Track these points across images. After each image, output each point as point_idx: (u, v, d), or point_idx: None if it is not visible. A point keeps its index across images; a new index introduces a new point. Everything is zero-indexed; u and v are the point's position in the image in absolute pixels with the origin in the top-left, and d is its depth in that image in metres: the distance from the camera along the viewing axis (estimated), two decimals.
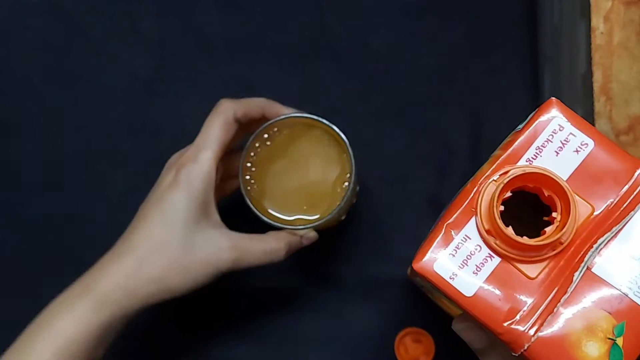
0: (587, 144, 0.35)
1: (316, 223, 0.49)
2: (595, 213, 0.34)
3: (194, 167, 0.46)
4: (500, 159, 0.36)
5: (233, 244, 0.46)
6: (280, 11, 0.60)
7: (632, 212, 0.34)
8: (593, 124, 0.42)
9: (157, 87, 0.60)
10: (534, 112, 0.37)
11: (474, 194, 0.36)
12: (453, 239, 0.35)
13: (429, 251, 0.35)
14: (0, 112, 0.60)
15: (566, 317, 0.33)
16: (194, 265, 0.45)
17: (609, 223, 0.34)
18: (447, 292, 0.35)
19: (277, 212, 0.50)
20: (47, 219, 0.58)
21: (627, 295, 0.33)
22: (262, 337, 0.57)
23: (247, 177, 0.50)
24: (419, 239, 0.57)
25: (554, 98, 0.36)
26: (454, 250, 0.35)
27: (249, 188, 0.49)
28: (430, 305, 0.57)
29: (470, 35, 0.59)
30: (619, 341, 0.33)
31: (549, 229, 0.34)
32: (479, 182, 0.36)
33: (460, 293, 0.34)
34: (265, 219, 0.48)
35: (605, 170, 0.35)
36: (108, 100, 0.59)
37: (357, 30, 0.60)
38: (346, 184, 0.50)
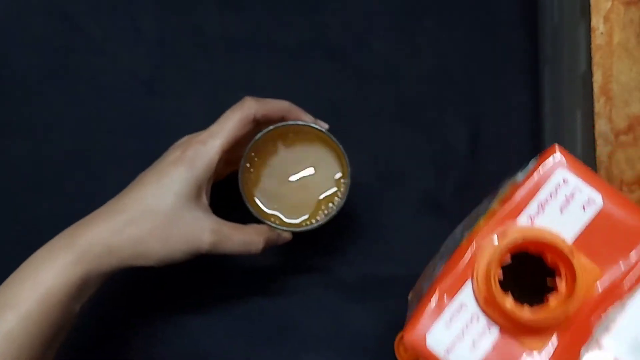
0: (594, 199, 0.32)
1: (294, 229, 0.51)
2: (604, 278, 0.31)
3: (201, 150, 0.48)
4: (498, 215, 0.32)
5: (216, 228, 0.48)
6: (280, 11, 0.60)
7: None
8: (593, 125, 0.42)
9: (157, 87, 0.60)
10: (535, 161, 0.33)
11: (471, 255, 0.32)
12: (447, 306, 0.31)
13: (421, 321, 0.31)
14: (0, 112, 0.60)
15: None
16: (175, 238, 0.47)
17: (619, 290, 0.31)
18: None
19: (260, 203, 0.52)
20: (46, 218, 0.58)
21: None
22: (262, 336, 0.57)
23: (248, 165, 0.51)
24: (417, 239, 0.58)
25: (557, 145, 0.33)
26: (449, 320, 0.31)
27: (245, 174, 0.51)
28: None
29: (470, 35, 0.59)
30: None
31: (552, 299, 0.31)
32: (475, 240, 0.32)
33: None
34: (249, 205, 0.50)
35: (615, 229, 0.31)
36: (107, 100, 0.60)
37: (357, 30, 0.60)
38: (331, 204, 0.52)
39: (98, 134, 0.59)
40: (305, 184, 0.52)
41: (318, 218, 0.51)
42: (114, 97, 0.59)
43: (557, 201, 0.32)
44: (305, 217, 0.52)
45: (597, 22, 0.42)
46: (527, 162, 0.34)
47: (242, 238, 0.49)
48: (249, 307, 0.57)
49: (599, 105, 0.42)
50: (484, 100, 0.59)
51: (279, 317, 0.57)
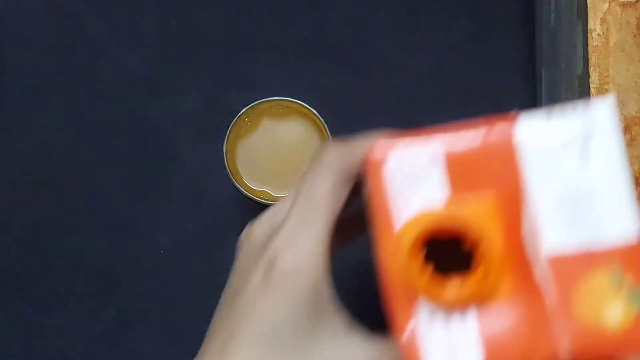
0: (437, 155, 0.30)
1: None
2: (500, 198, 0.30)
3: (294, 259, 0.31)
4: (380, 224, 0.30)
5: (375, 356, 0.31)
6: (279, 8, 0.60)
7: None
8: None
9: (157, 86, 0.60)
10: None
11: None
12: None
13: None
14: (0, 112, 0.60)
15: (573, 305, 0.28)
16: None
17: (518, 199, 0.29)
18: None
19: (248, 181, 0.53)
20: (45, 218, 0.59)
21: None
22: None
23: (230, 147, 0.52)
24: None
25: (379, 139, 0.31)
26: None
27: (229, 156, 0.52)
28: None
29: (467, 35, 0.60)
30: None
31: (470, 281, 0.29)
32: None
33: None
34: (237, 185, 0.51)
35: (472, 158, 0.30)
36: (108, 100, 0.60)
37: (356, 27, 0.60)
38: None
39: (98, 134, 0.59)
40: (289, 157, 0.53)
41: None
42: (113, 98, 0.60)
43: (411, 182, 0.30)
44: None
45: (594, 24, 0.43)
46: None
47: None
48: None
49: None
50: (480, 100, 0.59)
51: None
